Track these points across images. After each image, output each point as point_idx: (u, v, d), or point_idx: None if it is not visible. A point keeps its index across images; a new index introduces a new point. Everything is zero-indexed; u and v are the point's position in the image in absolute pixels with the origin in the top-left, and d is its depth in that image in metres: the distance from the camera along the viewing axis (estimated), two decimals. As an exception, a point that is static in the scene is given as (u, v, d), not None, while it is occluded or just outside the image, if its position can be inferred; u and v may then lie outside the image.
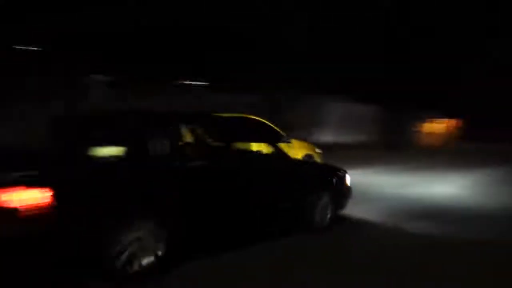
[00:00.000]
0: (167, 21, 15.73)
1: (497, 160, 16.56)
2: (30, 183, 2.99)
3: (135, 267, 3.57)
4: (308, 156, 10.07)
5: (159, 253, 3.77)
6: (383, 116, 23.98)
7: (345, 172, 6.44)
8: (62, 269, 3.30)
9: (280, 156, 5.50)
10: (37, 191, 2.99)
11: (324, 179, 6.12)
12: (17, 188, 2.95)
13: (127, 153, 3.74)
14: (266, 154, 5.49)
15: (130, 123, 4.17)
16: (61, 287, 3.45)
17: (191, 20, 16.28)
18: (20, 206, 2.94)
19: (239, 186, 4.76)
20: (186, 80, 17.31)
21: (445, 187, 10.36)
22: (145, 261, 3.65)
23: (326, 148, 13.37)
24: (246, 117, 9.09)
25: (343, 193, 6.30)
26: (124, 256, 3.48)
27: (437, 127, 27.09)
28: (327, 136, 20.34)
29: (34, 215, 2.97)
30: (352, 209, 6.46)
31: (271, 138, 8.25)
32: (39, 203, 2.98)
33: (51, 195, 3.02)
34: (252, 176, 4.97)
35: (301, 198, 5.55)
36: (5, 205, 2.92)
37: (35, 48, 13.68)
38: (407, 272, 4.24)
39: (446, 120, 27.53)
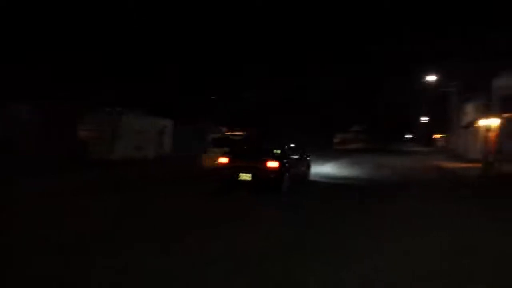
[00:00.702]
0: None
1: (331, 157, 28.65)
2: (274, 160, 11.41)
3: (285, 188, 11.58)
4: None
5: (289, 184, 11.82)
6: (177, 129, 23.36)
7: (309, 155, 15.28)
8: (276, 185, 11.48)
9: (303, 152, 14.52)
10: (276, 162, 11.29)
11: (308, 160, 14.96)
12: (271, 161, 11.30)
13: (281, 153, 12.24)
14: (302, 151, 14.37)
15: (283, 144, 13.32)
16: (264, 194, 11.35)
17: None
18: (271, 166, 11.22)
19: (299, 164, 13.67)
20: None
21: (331, 168, 19.92)
22: (287, 185, 11.70)
23: (130, 163, 17.56)
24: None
25: (310, 167, 15.28)
26: (285, 183, 11.55)
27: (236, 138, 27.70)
28: (129, 151, 19.42)
29: (275, 169, 11.24)
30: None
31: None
32: (276, 166, 11.26)
33: (278, 164, 11.30)
34: (301, 162, 14.00)
35: (305, 170, 14.51)
36: (268, 166, 11.21)
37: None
38: (342, 190, 13.81)
39: (242, 131, 28.97)
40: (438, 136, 52.67)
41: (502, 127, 18.70)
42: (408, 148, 62.89)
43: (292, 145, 13.68)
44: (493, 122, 19.70)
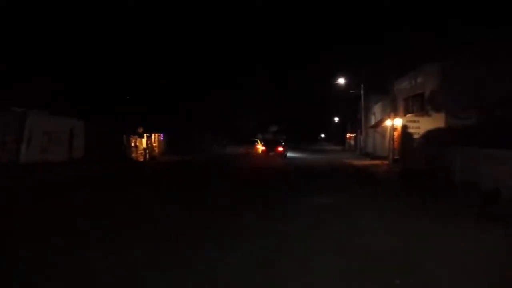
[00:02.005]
0: None
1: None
2: (281, 146, 26.82)
3: (284, 158, 24.88)
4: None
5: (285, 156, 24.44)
6: (89, 130, 22.47)
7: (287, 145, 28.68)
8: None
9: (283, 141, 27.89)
10: (282, 148, 26.21)
11: (286, 146, 27.17)
12: (280, 147, 26.06)
13: (282, 144, 25.77)
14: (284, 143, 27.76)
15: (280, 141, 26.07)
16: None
17: None
18: (280, 150, 26.56)
19: (286, 149, 27.25)
20: None
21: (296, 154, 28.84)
22: (285, 157, 25.95)
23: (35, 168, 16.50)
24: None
25: (287, 150, 27.21)
26: (284, 155, 26.00)
27: (144, 141, 26.90)
28: (36, 154, 18.41)
29: (282, 151, 26.57)
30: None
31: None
32: (282, 149, 26.26)
33: (283, 148, 25.98)
34: (286, 148, 27.34)
35: (286, 152, 26.32)
36: (279, 149, 26.98)
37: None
38: (309, 165, 23.42)
39: (152, 135, 28.48)
40: (350, 135, 55.64)
41: (403, 127, 20.27)
42: (322, 147, 66.50)
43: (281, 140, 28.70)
44: (397, 122, 21.33)
